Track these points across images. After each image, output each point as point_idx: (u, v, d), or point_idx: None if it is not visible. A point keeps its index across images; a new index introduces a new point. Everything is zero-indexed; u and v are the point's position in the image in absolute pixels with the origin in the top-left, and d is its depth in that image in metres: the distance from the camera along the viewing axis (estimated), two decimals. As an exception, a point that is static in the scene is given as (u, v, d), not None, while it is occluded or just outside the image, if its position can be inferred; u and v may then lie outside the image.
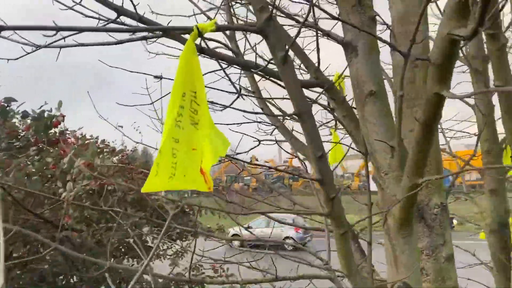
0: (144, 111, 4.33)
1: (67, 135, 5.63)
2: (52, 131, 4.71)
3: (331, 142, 4.97)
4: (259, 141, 3.33)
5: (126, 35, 2.90)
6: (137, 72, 3.76)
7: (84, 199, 3.44)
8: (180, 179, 1.46)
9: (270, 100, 4.40)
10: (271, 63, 2.29)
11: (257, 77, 4.22)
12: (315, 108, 3.73)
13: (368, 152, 2.35)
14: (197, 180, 1.47)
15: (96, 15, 2.34)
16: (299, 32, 1.77)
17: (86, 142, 4.50)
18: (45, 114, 4.02)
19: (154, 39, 3.15)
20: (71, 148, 3.39)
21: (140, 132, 6.81)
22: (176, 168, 1.45)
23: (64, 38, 2.64)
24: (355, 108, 2.42)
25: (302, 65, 3.64)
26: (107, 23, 2.58)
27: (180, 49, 4.53)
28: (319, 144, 1.57)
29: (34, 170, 3.51)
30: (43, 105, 5.18)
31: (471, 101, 4.34)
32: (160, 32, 2.68)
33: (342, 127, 3.89)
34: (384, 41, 1.77)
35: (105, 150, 4.72)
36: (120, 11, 2.30)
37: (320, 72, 2.79)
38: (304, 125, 1.56)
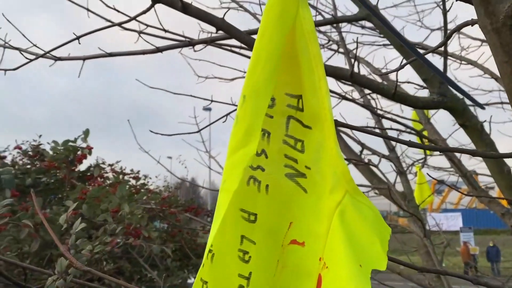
0: (191, 143, 3.60)
1: (104, 169, 4.96)
2: (84, 165, 4.02)
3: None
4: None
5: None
6: (183, 94, 3.03)
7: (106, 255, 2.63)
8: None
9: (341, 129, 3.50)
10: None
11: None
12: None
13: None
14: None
15: None
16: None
17: (119, 180, 3.75)
18: (69, 146, 3.32)
19: (202, 45, 2.37)
20: (92, 190, 2.63)
21: (185, 167, 6.08)
22: (249, 285, 0.59)
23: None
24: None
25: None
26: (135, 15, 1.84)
27: (240, 71, 3.74)
28: None
29: (51, 215, 2.76)
30: (80, 135, 4.54)
31: None
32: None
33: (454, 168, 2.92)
34: None
35: (141, 190, 3.96)
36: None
37: (446, 86, 1.89)
38: None
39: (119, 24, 1.80)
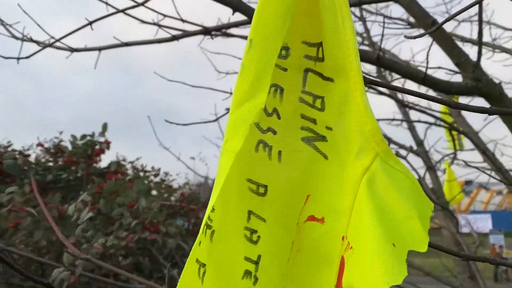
0: (212, 140, 3.54)
1: (125, 166, 4.94)
2: (105, 163, 4.00)
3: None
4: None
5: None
6: (202, 87, 2.97)
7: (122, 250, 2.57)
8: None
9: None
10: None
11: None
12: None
13: None
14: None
15: None
16: None
17: (138, 176, 3.71)
18: (87, 141, 3.29)
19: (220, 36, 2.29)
20: (109, 184, 2.58)
21: (206, 164, 6.04)
22: (258, 270, 0.50)
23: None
24: None
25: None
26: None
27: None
28: None
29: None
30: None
31: None
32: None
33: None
34: None
35: (161, 186, 3.90)
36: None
37: (481, 71, 1.75)
38: None
39: (123, 10, 1.74)
